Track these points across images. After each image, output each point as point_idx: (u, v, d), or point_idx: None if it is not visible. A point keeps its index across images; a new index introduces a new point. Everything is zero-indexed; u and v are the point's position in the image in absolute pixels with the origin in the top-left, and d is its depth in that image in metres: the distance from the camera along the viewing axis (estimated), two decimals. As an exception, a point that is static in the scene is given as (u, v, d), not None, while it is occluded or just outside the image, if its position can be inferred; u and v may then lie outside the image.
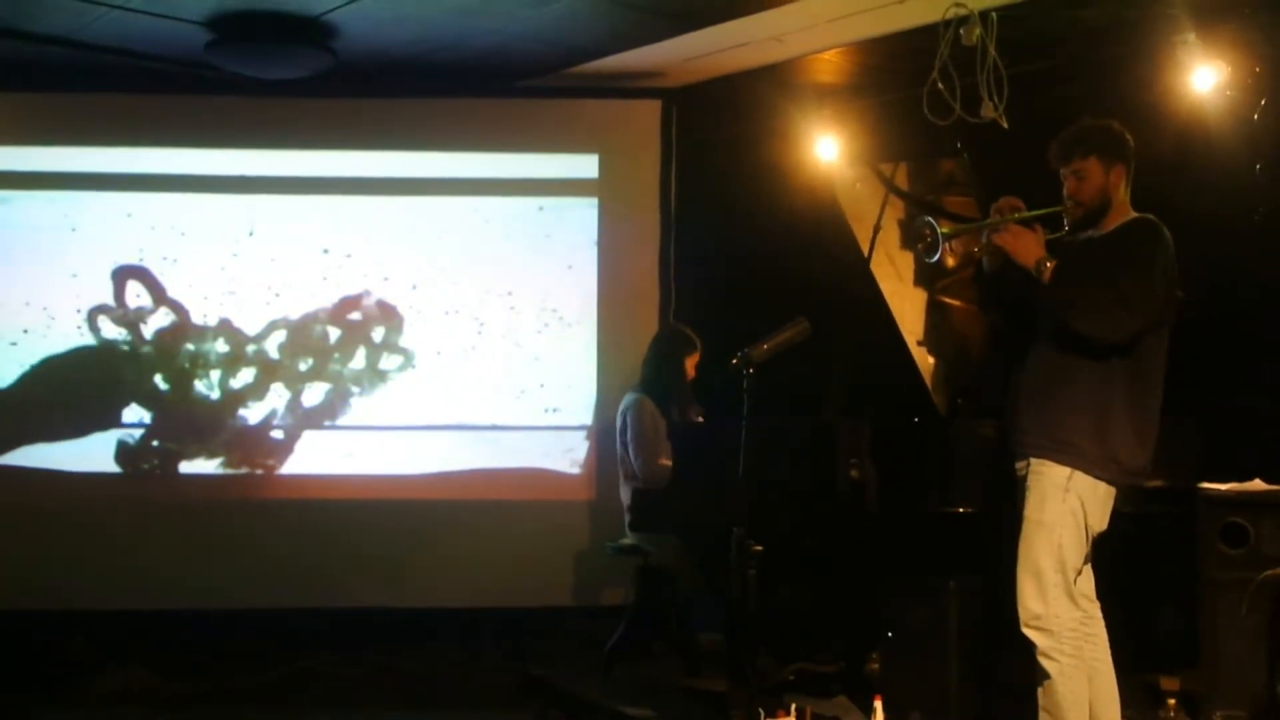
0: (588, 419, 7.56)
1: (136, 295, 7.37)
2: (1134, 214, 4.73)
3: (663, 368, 6.83)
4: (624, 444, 6.76)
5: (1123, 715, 4.84)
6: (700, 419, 6.80)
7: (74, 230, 7.34)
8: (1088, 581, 4.72)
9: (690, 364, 6.81)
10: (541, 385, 7.55)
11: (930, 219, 4.89)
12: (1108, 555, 4.77)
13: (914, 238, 4.84)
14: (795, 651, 6.54)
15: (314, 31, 6.43)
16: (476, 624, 7.49)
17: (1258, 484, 4.96)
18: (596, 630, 7.03)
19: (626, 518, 6.73)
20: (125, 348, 7.39)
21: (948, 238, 4.81)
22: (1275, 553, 4.37)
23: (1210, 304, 5.63)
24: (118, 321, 7.37)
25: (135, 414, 7.39)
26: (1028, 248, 4.61)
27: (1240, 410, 5.30)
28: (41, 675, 6.80)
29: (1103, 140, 4.72)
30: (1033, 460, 4.63)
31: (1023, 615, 4.59)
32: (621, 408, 6.84)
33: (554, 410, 7.55)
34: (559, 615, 7.43)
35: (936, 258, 4.84)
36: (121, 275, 7.36)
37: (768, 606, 5.22)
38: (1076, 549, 4.58)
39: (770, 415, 4.78)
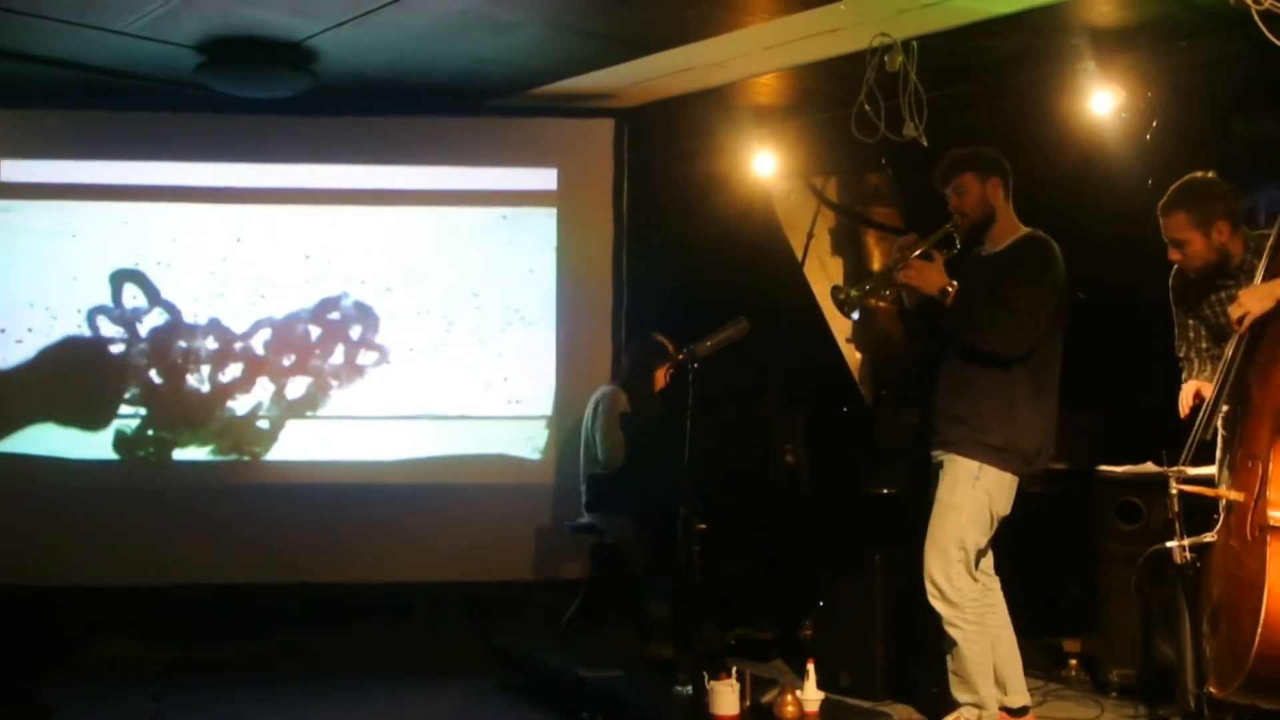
0: (547, 409, 7.55)
1: (133, 297, 7.32)
2: (1024, 230, 4.78)
3: (635, 369, 6.85)
4: (591, 430, 6.76)
5: (1029, 675, 4.89)
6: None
7: (74, 236, 7.28)
8: (988, 559, 4.77)
9: (661, 373, 6.81)
10: (505, 379, 7.54)
11: (839, 285, 4.94)
12: (1018, 531, 4.81)
13: (835, 305, 4.88)
14: (736, 620, 6.57)
15: (296, 55, 6.39)
16: (446, 597, 7.47)
17: (1149, 466, 5.01)
18: (556, 602, 7.03)
19: (582, 499, 6.72)
20: (122, 345, 7.33)
21: (863, 297, 4.85)
22: (1164, 529, 4.40)
23: (1109, 307, 5.67)
24: (115, 321, 7.32)
25: (131, 405, 7.33)
26: (930, 279, 4.68)
27: (1135, 401, 5.37)
28: (42, 646, 6.77)
29: (974, 158, 4.79)
30: (948, 454, 4.68)
31: (929, 588, 4.65)
32: (595, 397, 6.86)
33: (516, 401, 7.54)
34: (521, 589, 7.42)
35: (857, 317, 4.91)
36: (119, 278, 7.31)
37: (711, 579, 5.21)
38: (980, 531, 4.65)
39: (714, 406, 4.77)
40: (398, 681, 6.56)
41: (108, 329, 7.31)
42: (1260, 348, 4.15)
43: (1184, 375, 4.71)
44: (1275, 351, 4.02)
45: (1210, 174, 4.51)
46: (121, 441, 7.31)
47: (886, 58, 5.75)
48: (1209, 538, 4.33)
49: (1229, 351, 4.26)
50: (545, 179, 7.65)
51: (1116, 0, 5.36)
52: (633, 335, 7.38)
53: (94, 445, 7.27)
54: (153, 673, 6.38)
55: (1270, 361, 4.07)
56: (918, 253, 4.73)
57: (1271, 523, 3.84)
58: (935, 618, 4.65)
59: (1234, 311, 4.17)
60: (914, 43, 5.76)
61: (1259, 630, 3.75)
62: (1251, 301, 4.11)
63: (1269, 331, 4.11)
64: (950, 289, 4.60)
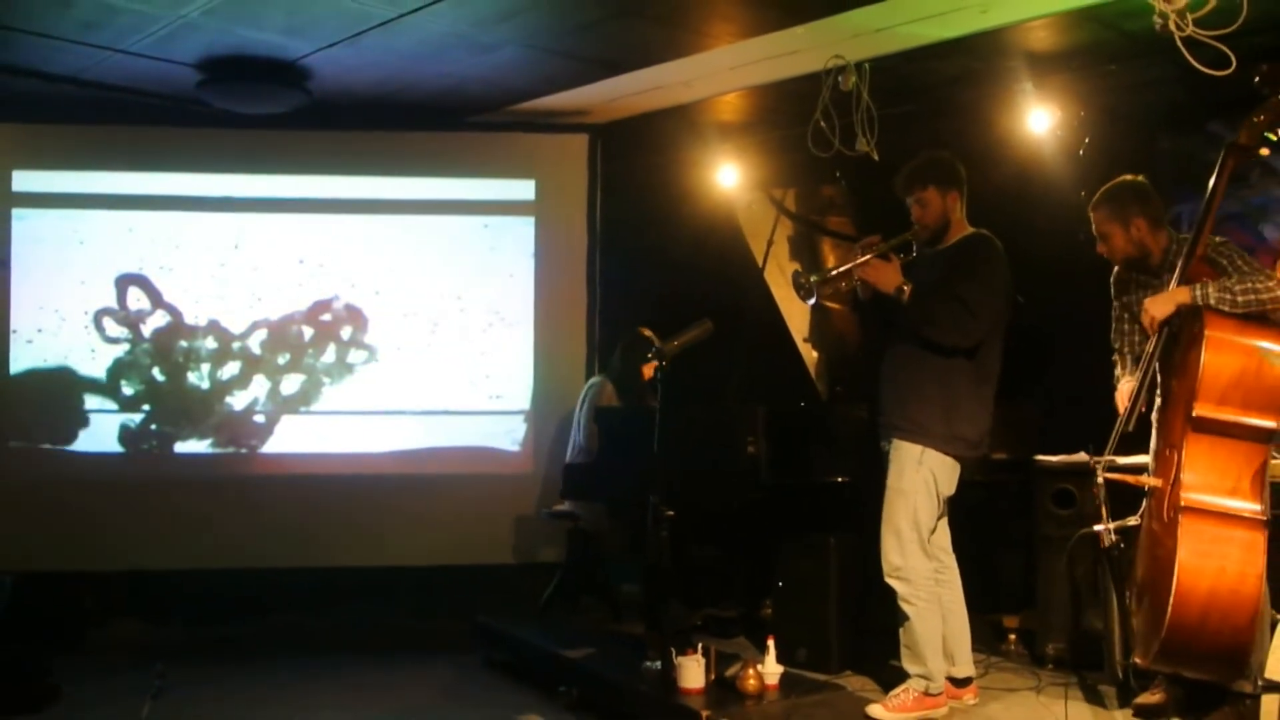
0: (526, 404, 7.56)
1: (137, 299, 7.29)
2: (970, 230, 4.84)
3: (625, 363, 6.87)
4: (579, 421, 6.78)
5: (973, 648, 4.95)
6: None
7: (82, 243, 7.25)
8: (944, 536, 4.82)
9: (647, 367, 6.83)
10: (487, 376, 7.54)
11: (800, 270, 4.98)
12: (962, 516, 4.87)
13: (794, 286, 4.92)
14: (702, 600, 6.59)
15: (291, 73, 6.39)
16: (432, 580, 7.47)
17: (1082, 456, 5.07)
18: (534, 584, 7.05)
19: (560, 486, 6.75)
20: (127, 344, 7.30)
21: (821, 283, 4.90)
22: (1095, 514, 4.46)
23: (1046, 307, 5.74)
24: (120, 322, 7.29)
25: (135, 401, 7.31)
26: (888, 277, 4.72)
27: (1070, 394, 5.42)
28: (55, 628, 6.75)
29: (938, 171, 4.83)
30: (894, 440, 4.73)
31: (885, 568, 4.69)
32: (585, 388, 6.88)
33: (497, 397, 7.55)
34: (502, 571, 7.42)
35: (812, 301, 4.94)
36: (123, 282, 7.28)
37: (679, 562, 5.24)
38: (929, 511, 4.69)
39: (681, 401, 4.81)
40: (387, 659, 6.58)
41: (113, 330, 7.28)
42: (1174, 348, 4.24)
43: (1116, 369, 4.78)
44: (1187, 351, 4.10)
45: (1137, 177, 4.62)
46: (126, 435, 7.29)
47: (841, 78, 5.79)
48: (1133, 521, 4.41)
49: (1147, 351, 4.36)
50: (524, 190, 7.65)
51: (1051, 26, 5.40)
52: (606, 335, 7.42)
53: (100, 439, 7.23)
54: (157, 652, 6.35)
55: (1183, 360, 4.15)
56: (878, 252, 4.79)
57: (1183, 504, 3.92)
58: (890, 595, 4.71)
59: (1144, 318, 4.29)
60: (866, 65, 5.80)
61: (1170, 603, 3.82)
62: (1155, 307, 4.24)
63: (1182, 333, 4.20)
64: (906, 288, 4.66)
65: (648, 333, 6.81)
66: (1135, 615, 4.33)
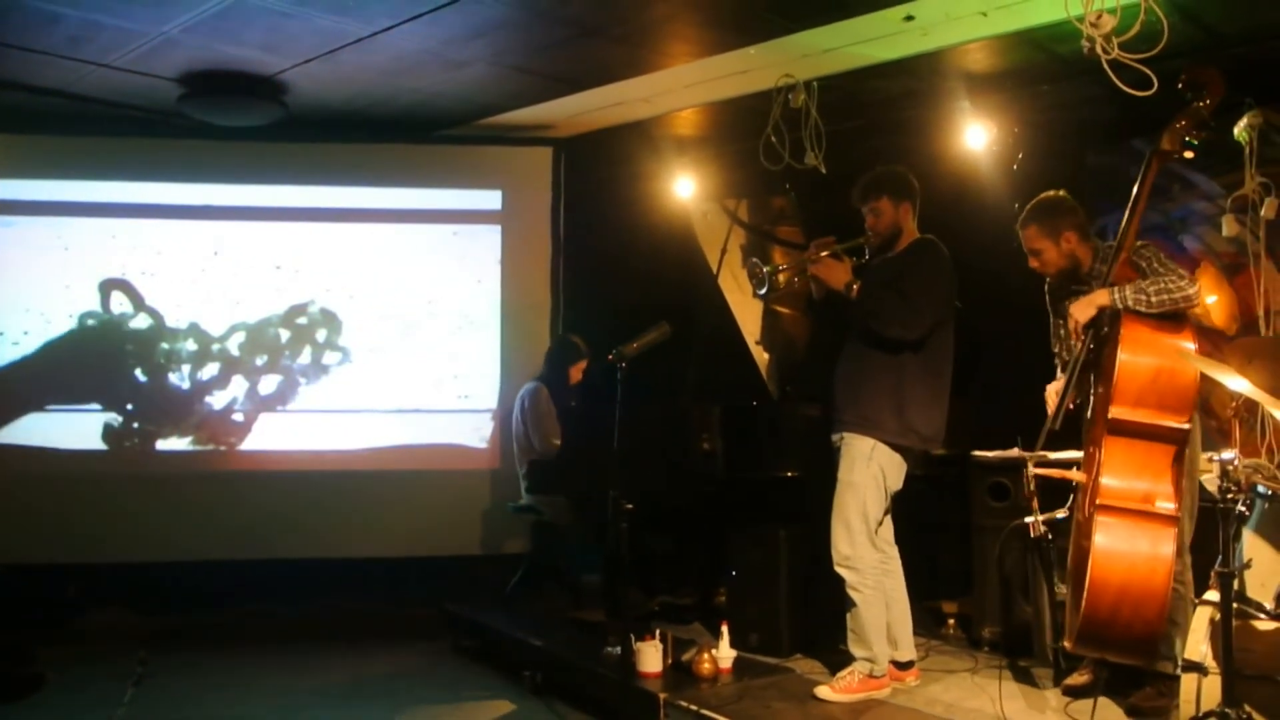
0: (493, 404, 7.56)
1: (120, 303, 7.24)
2: (918, 236, 4.87)
3: (553, 367, 6.88)
4: (522, 422, 6.77)
5: (914, 633, 4.98)
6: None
7: (67, 249, 7.19)
8: (888, 529, 4.83)
9: (575, 369, 6.84)
10: (455, 377, 7.54)
11: (758, 260, 5.01)
12: (904, 507, 4.89)
13: (748, 275, 4.95)
14: (659, 588, 6.58)
15: (268, 88, 6.36)
16: (403, 570, 7.45)
17: (1015, 452, 5.10)
18: (500, 573, 7.04)
19: (522, 483, 6.75)
20: (110, 346, 7.24)
21: (774, 274, 4.92)
22: (1027, 506, 4.51)
23: (980, 311, 5.79)
24: (103, 325, 7.23)
25: (118, 401, 7.25)
26: (837, 275, 4.74)
27: (1004, 393, 5.46)
28: (41, 616, 6.69)
29: (892, 183, 4.85)
30: (845, 434, 4.73)
31: (835, 557, 4.69)
32: (521, 393, 6.86)
33: (465, 397, 7.55)
34: (470, 562, 7.41)
35: (765, 291, 4.96)
36: (107, 286, 7.23)
37: (637, 553, 5.26)
38: (877, 504, 4.70)
39: (639, 400, 4.82)
40: (361, 645, 6.56)
41: (97, 332, 7.23)
42: (1102, 351, 4.26)
43: (1058, 372, 4.82)
44: (1110, 354, 4.10)
45: (1059, 192, 4.62)
46: (109, 433, 7.22)
47: (790, 96, 5.83)
48: (1061, 514, 4.45)
49: (1075, 354, 4.38)
50: (491, 200, 7.65)
51: (987, 48, 5.45)
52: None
53: (85, 437, 7.17)
54: (140, 640, 6.32)
55: (1107, 363, 4.17)
56: (830, 252, 4.83)
57: (1099, 502, 3.94)
58: (838, 583, 4.72)
59: (1069, 323, 4.31)
60: (814, 83, 5.84)
61: (1085, 595, 3.86)
62: (1078, 311, 4.24)
63: (1106, 337, 4.23)
64: (854, 285, 4.69)
65: (575, 338, 6.83)
66: (1065, 601, 4.37)
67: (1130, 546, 3.86)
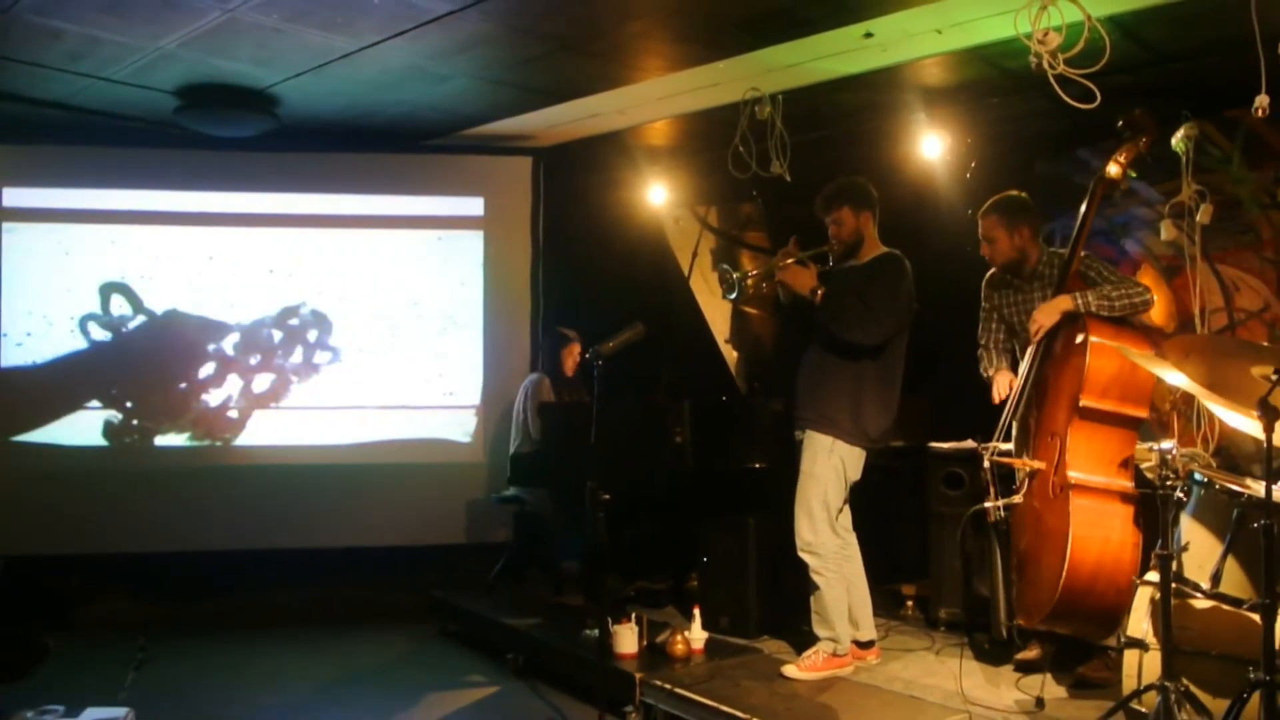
0: (477, 400, 7.56)
1: (119, 306, 7.19)
2: (883, 248, 4.90)
3: (548, 358, 6.88)
4: (523, 411, 6.77)
5: (875, 615, 5.01)
6: (576, 397, 6.82)
7: (68, 254, 7.14)
8: (847, 517, 4.87)
9: (567, 356, 6.84)
10: (441, 374, 7.53)
11: (728, 266, 5.04)
12: (865, 496, 4.92)
13: (718, 280, 4.99)
14: (635, 574, 6.59)
15: (261, 100, 6.32)
16: (392, 559, 7.43)
17: (969, 443, 5.14)
18: (484, 562, 7.04)
19: (508, 474, 6.75)
20: (110, 347, 7.20)
21: (744, 278, 4.95)
22: (982, 493, 4.54)
23: (935, 312, 5.82)
24: (104, 327, 7.18)
25: (118, 399, 7.20)
26: (803, 280, 4.78)
27: (957, 389, 5.49)
28: (47, 605, 6.65)
29: (852, 194, 4.89)
30: (808, 431, 4.78)
31: (799, 543, 4.73)
32: (525, 384, 6.88)
33: (451, 394, 7.54)
34: (455, 551, 7.41)
35: (734, 295, 4.99)
36: (107, 290, 7.18)
37: (614, 540, 5.24)
38: (838, 494, 4.74)
39: (616, 396, 4.82)
40: (352, 630, 6.56)
41: (97, 333, 7.17)
42: (1055, 352, 4.36)
43: (981, 361, 4.89)
44: (1067, 354, 4.24)
45: (1022, 193, 4.76)
46: (110, 430, 7.18)
47: (757, 108, 5.83)
48: (1016, 499, 4.50)
49: (1030, 354, 4.45)
50: (474, 207, 7.64)
51: (942, 64, 5.47)
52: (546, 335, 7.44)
53: (86, 433, 7.12)
54: (140, 627, 6.30)
55: (1064, 359, 4.28)
56: (796, 259, 4.85)
57: (1071, 482, 4.04)
58: (803, 568, 4.75)
59: (1031, 326, 4.40)
60: (779, 96, 5.84)
61: (1064, 569, 3.92)
62: (1042, 316, 4.37)
63: (1059, 336, 4.33)
64: (819, 291, 4.73)
65: (566, 331, 6.83)
66: (1017, 583, 4.42)
67: (1104, 522, 4.01)
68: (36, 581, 6.74)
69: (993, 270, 4.85)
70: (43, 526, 6.92)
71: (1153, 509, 3.62)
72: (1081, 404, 4.11)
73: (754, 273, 5.04)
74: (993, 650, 4.99)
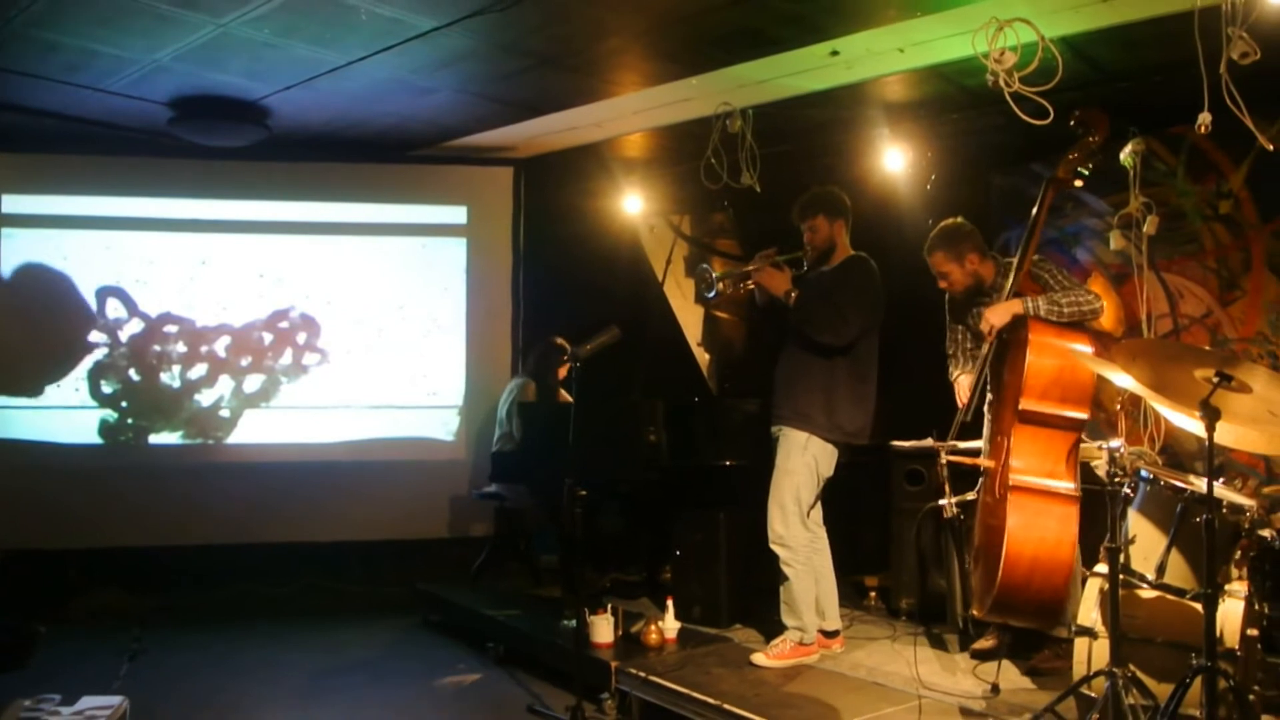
0: (459, 400, 7.54)
1: (115, 309, 7.14)
2: (853, 252, 4.91)
3: (543, 365, 6.85)
4: (508, 413, 6.76)
5: (839, 605, 5.03)
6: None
7: (65, 259, 7.08)
8: (818, 512, 4.88)
9: (563, 369, 6.81)
10: (424, 375, 7.51)
11: (707, 266, 5.03)
12: (829, 493, 4.93)
13: (696, 280, 4.98)
14: (611, 566, 6.60)
15: (253, 111, 6.29)
16: (377, 553, 7.42)
17: (929, 441, 5.17)
18: (466, 555, 7.04)
19: (489, 471, 6.74)
20: (106, 349, 7.14)
21: (720, 279, 4.95)
22: (939, 490, 4.57)
23: (899, 314, 5.84)
24: (100, 329, 7.12)
25: (114, 399, 7.15)
26: (777, 283, 4.78)
27: (918, 390, 5.50)
28: (44, 597, 6.59)
29: (827, 203, 4.89)
30: (783, 427, 4.78)
31: (770, 535, 4.73)
32: (510, 385, 6.88)
33: (434, 394, 7.52)
34: (438, 544, 7.39)
35: (713, 294, 4.99)
36: (103, 294, 7.12)
37: (590, 534, 5.24)
38: (810, 489, 4.74)
39: (593, 396, 4.82)
40: (338, 621, 6.53)
41: (93, 336, 7.13)
42: (1006, 352, 4.36)
43: (950, 368, 4.89)
44: (1016, 355, 4.19)
45: (958, 219, 4.69)
46: (105, 429, 7.12)
47: (728, 122, 5.84)
48: (970, 496, 4.52)
49: (983, 353, 4.46)
50: (457, 215, 7.63)
51: (904, 81, 5.49)
52: (528, 341, 7.42)
53: (82, 432, 7.07)
54: (135, 618, 6.26)
55: (1012, 361, 4.25)
56: (771, 262, 4.86)
57: (1011, 483, 4.03)
58: (773, 559, 4.76)
59: (983, 326, 4.38)
60: (750, 110, 5.85)
61: (1001, 565, 3.93)
62: (994, 316, 4.32)
63: (1011, 340, 4.32)
64: (793, 293, 4.73)
65: (561, 340, 6.83)
66: (973, 576, 4.44)
67: (1040, 522, 3.96)
68: (35, 575, 6.69)
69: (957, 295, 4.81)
70: (40, 522, 6.86)
71: (1101, 504, 3.63)
72: (1021, 407, 4.05)
73: (733, 273, 5.04)
74: (950, 639, 5.01)
